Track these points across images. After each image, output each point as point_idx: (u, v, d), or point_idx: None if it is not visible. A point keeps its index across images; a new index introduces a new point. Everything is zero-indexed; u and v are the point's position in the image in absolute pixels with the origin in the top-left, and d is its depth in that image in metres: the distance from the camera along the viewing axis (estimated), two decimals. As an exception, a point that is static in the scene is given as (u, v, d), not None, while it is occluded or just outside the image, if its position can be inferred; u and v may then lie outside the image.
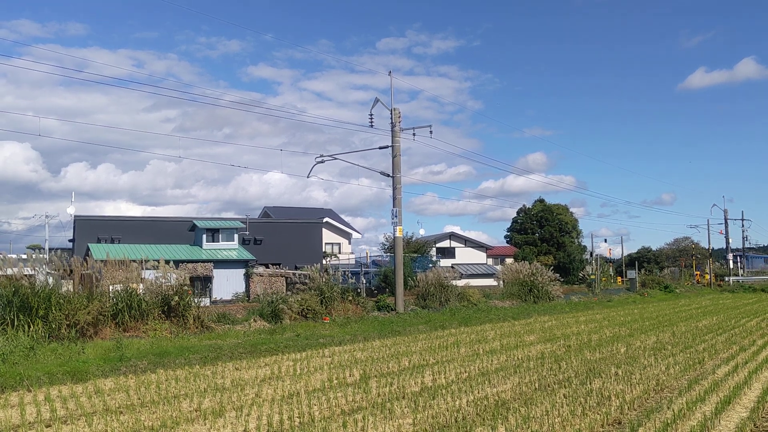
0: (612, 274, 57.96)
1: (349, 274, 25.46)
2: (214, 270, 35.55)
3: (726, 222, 68.08)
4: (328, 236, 54.54)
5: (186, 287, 17.85)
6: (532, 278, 33.43)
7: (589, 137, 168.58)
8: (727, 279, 61.13)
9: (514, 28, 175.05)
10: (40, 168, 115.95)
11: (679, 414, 7.56)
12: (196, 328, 17.34)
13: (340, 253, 54.96)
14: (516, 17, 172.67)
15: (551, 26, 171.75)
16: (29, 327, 14.15)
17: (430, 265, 39.14)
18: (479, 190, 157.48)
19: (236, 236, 39.19)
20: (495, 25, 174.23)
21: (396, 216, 26.10)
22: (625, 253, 66.75)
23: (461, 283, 34.06)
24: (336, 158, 28.84)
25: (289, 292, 24.71)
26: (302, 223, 48.01)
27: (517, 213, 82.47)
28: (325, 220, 54.93)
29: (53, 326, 14.62)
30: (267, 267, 37.66)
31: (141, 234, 39.54)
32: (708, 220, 66.42)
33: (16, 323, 14.27)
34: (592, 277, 43.35)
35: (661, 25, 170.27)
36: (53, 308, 14.83)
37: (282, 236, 44.63)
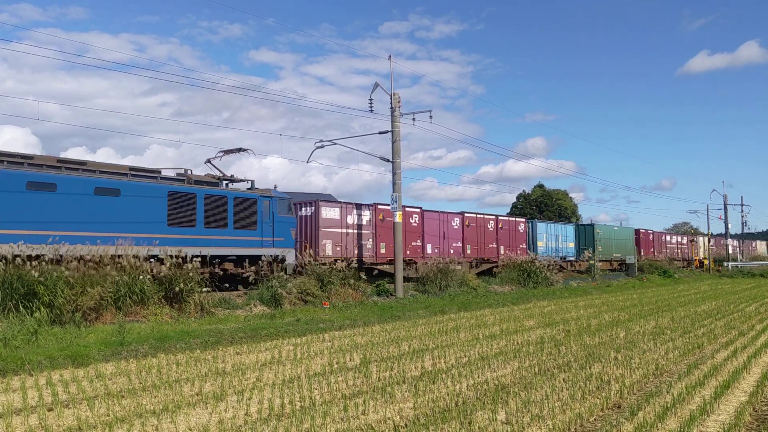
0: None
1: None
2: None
3: (725, 207, 68.13)
4: (326, 221, 54.10)
5: (191, 273, 17.83)
6: (530, 263, 33.50)
7: (589, 122, 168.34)
8: (726, 264, 61.23)
9: (517, 12, 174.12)
10: (38, 152, 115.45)
11: (678, 398, 7.60)
12: (197, 312, 17.36)
13: (339, 238, 54.69)
14: (519, 1, 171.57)
15: (554, 10, 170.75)
16: (31, 311, 14.16)
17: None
18: (478, 175, 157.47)
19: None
20: (498, 9, 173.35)
21: (396, 201, 26.05)
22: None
23: (460, 267, 34.15)
24: (336, 143, 28.74)
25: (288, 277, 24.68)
26: (299, 207, 47.56)
27: (517, 198, 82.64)
28: (323, 205, 54.51)
29: (56, 311, 14.63)
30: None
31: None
32: (707, 206, 66.57)
33: (20, 309, 14.27)
34: (591, 262, 43.36)
35: (662, 8, 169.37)
36: (58, 292, 14.82)
37: (278, 220, 44.30)
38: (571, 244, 46.21)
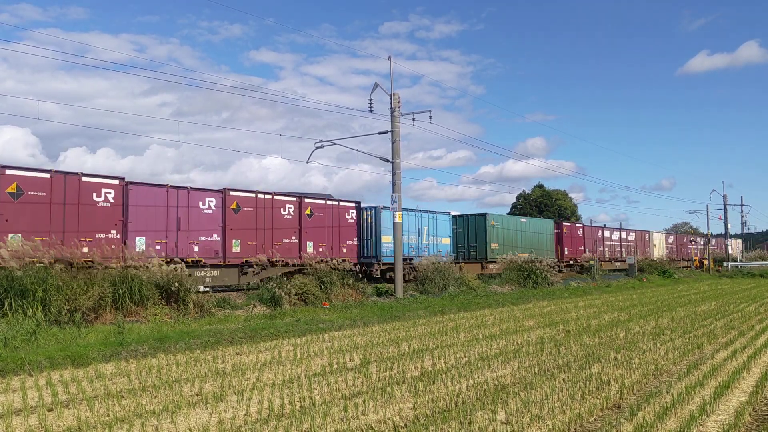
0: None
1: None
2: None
3: (725, 207, 68.18)
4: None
5: (187, 273, 17.83)
6: (530, 264, 33.51)
7: (589, 122, 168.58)
8: (725, 264, 61.28)
9: (517, 12, 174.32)
10: (38, 153, 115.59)
11: (678, 398, 7.61)
12: (197, 313, 17.37)
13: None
14: (519, 1, 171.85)
15: (554, 10, 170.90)
16: (27, 311, 14.15)
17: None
18: (478, 175, 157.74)
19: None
20: (498, 10, 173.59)
21: (395, 201, 26.07)
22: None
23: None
24: (335, 143, 28.72)
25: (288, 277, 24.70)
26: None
27: (517, 198, 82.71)
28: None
29: (54, 311, 14.62)
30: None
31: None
32: (707, 206, 66.41)
33: (14, 307, 14.26)
34: (591, 262, 43.37)
35: (662, 8, 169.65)
36: (53, 293, 14.81)
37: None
38: (446, 240, 33.60)
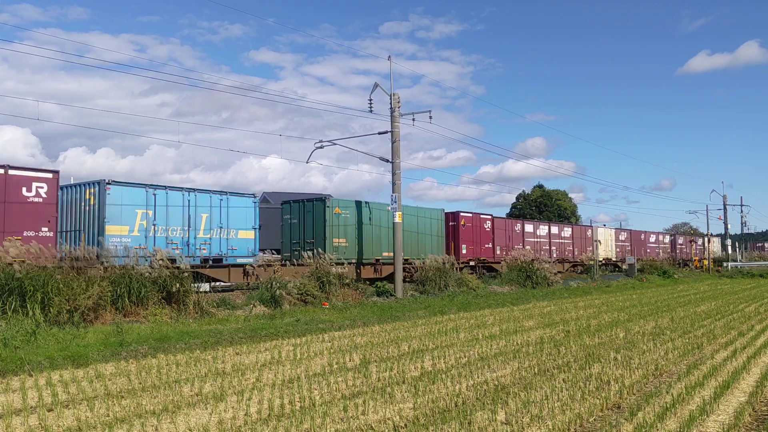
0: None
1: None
2: (212, 255, 34.68)
3: (725, 208, 68.14)
4: (325, 221, 53.12)
5: (186, 273, 17.82)
6: (530, 264, 33.50)
7: (589, 122, 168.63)
8: (725, 265, 61.27)
9: (518, 12, 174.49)
10: (38, 153, 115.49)
11: (677, 398, 7.60)
12: (196, 313, 17.36)
13: (338, 238, 54.55)
14: (519, 1, 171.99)
15: (554, 10, 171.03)
16: (25, 311, 14.13)
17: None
18: (478, 175, 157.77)
19: (234, 221, 38.32)
20: (498, 10, 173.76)
21: (395, 202, 26.05)
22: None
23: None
24: (335, 144, 28.74)
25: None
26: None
27: (516, 198, 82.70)
28: (322, 205, 53.81)
29: (53, 311, 14.61)
30: (265, 252, 37.55)
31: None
32: (707, 206, 66.37)
33: (14, 307, 14.25)
34: (591, 262, 43.38)
35: (662, 8, 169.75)
36: (53, 293, 14.80)
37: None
38: (247, 234, 23.41)
